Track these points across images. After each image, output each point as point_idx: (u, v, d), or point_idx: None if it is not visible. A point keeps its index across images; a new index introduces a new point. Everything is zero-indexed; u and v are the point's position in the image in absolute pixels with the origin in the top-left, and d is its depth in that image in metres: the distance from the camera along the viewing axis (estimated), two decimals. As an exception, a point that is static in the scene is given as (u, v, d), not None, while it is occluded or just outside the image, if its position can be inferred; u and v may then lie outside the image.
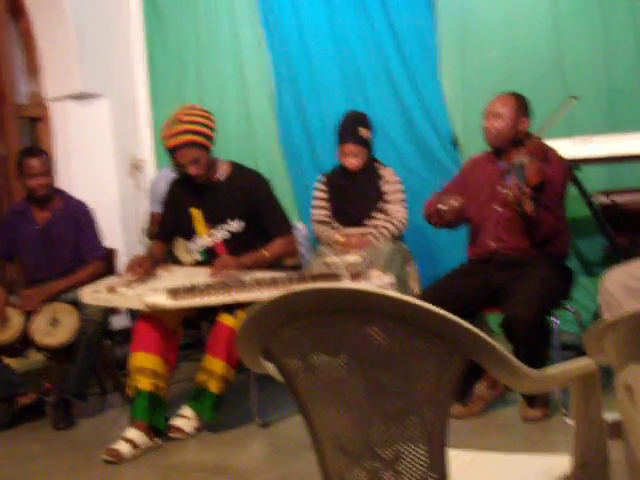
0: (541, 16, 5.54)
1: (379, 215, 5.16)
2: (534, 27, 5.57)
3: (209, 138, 4.30)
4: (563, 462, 2.04)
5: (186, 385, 4.85)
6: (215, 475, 3.71)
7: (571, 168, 4.44)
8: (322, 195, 5.34)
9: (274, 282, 4.03)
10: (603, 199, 4.76)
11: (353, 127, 5.18)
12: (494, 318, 4.87)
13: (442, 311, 1.57)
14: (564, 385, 2.02)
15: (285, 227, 4.51)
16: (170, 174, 5.10)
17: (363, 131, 5.15)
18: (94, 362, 4.65)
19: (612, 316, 1.76)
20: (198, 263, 4.53)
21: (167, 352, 4.16)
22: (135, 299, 4.08)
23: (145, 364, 4.08)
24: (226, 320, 4.12)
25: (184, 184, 4.46)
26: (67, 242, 4.85)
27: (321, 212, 5.33)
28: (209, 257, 4.41)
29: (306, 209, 5.90)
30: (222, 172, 4.44)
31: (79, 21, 6.04)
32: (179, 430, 4.12)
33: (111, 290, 4.17)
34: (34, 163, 4.72)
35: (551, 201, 4.08)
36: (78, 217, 4.89)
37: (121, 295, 4.14)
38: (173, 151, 4.27)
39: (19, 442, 4.35)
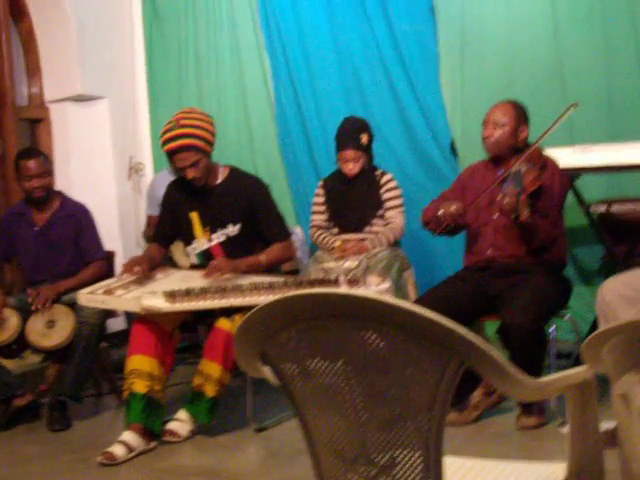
0: (541, 24, 5.55)
1: (378, 222, 5.16)
2: (534, 35, 5.57)
3: (208, 142, 4.29)
4: (558, 470, 2.04)
5: (182, 388, 4.85)
6: (210, 479, 3.70)
7: (569, 177, 4.45)
8: (321, 200, 5.35)
9: (271, 287, 4.04)
10: (602, 208, 4.76)
11: (352, 133, 5.18)
12: (490, 325, 4.87)
13: (439, 317, 1.57)
14: (560, 393, 2.01)
15: (283, 233, 4.50)
16: (168, 177, 5.10)
17: (362, 137, 5.16)
18: (90, 364, 4.65)
19: (609, 325, 1.77)
20: (195, 266, 4.53)
21: (163, 355, 4.16)
22: (132, 302, 4.08)
23: (141, 367, 4.08)
24: (223, 324, 4.12)
25: (182, 187, 4.46)
26: (65, 244, 4.85)
27: (319, 217, 5.34)
28: (206, 260, 4.41)
29: (304, 214, 5.91)
30: (221, 176, 4.44)
31: (80, 23, 6.04)
32: (174, 433, 4.12)
33: (108, 292, 4.17)
34: (31, 165, 4.72)
35: (548, 209, 4.09)
36: (77, 219, 4.89)
37: (118, 297, 4.14)
38: (172, 154, 4.27)
39: (15, 443, 4.35)
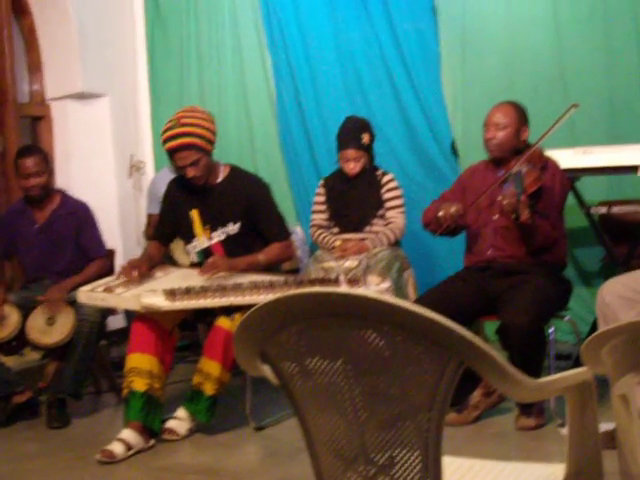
0: (543, 24, 5.55)
1: (378, 221, 5.16)
2: (535, 35, 5.57)
3: (209, 141, 4.29)
4: (557, 471, 2.04)
5: (182, 387, 4.85)
6: (209, 477, 3.70)
7: (569, 179, 4.45)
8: (321, 199, 5.35)
9: (271, 285, 4.04)
10: (602, 210, 4.76)
11: (354, 132, 5.19)
12: (490, 326, 4.87)
13: (439, 317, 1.57)
14: (559, 394, 2.01)
15: (282, 232, 4.50)
16: (169, 175, 5.10)
17: (364, 136, 5.16)
18: (90, 362, 4.66)
19: (608, 327, 1.77)
20: (195, 264, 4.52)
21: (163, 353, 4.16)
22: (131, 300, 4.08)
23: (141, 365, 4.08)
24: (223, 323, 4.12)
25: (183, 185, 4.46)
26: (66, 241, 4.85)
27: (320, 216, 5.34)
28: (206, 259, 4.41)
29: (305, 213, 5.91)
30: (221, 175, 4.44)
31: (81, 20, 6.05)
32: (173, 432, 4.12)
33: (108, 290, 4.17)
34: (27, 163, 4.71)
35: (549, 210, 4.09)
36: (78, 217, 4.89)
37: (117, 295, 4.14)
38: (172, 153, 4.27)
39: (14, 441, 4.35)
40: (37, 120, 6.18)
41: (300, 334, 1.73)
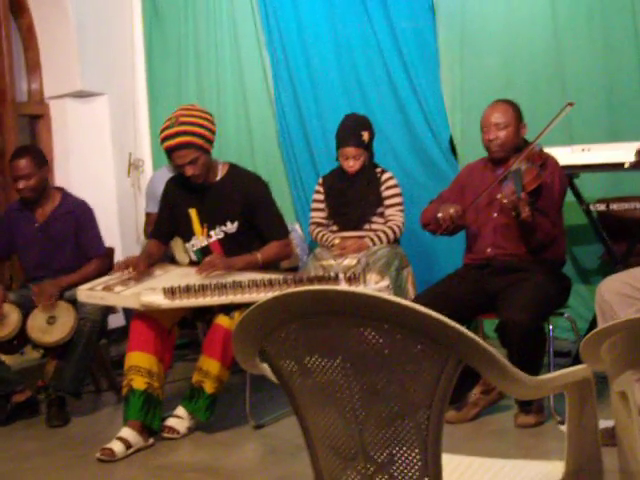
0: (541, 23, 5.54)
1: (377, 219, 5.16)
2: (534, 33, 5.56)
3: (208, 140, 4.28)
4: (557, 468, 2.04)
5: (181, 385, 4.85)
6: (208, 476, 3.71)
7: (568, 176, 4.45)
8: (320, 197, 5.35)
9: (270, 283, 4.04)
10: (601, 207, 4.76)
11: (353, 130, 5.19)
12: (489, 323, 4.88)
13: (438, 315, 1.58)
14: (559, 391, 2.02)
15: (281, 231, 4.50)
16: (167, 174, 5.10)
17: (363, 134, 5.16)
18: (90, 360, 4.66)
19: (607, 324, 1.77)
20: (194, 263, 4.52)
21: (162, 351, 4.16)
22: (131, 298, 4.08)
23: (140, 363, 4.08)
24: (222, 321, 4.13)
25: (181, 183, 4.46)
26: (66, 240, 4.84)
27: (319, 214, 5.34)
28: (205, 257, 4.41)
29: (304, 211, 5.91)
30: (220, 173, 4.44)
31: (80, 19, 6.04)
32: (172, 430, 4.12)
33: (107, 289, 4.17)
34: (16, 166, 4.71)
35: (548, 207, 4.09)
36: (78, 215, 4.88)
37: (117, 294, 4.14)
38: (170, 152, 4.26)
39: (13, 439, 4.35)
40: (36, 119, 6.18)
41: (299, 332, 1.73)
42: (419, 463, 1.70)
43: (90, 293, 4.23)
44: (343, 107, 5.80)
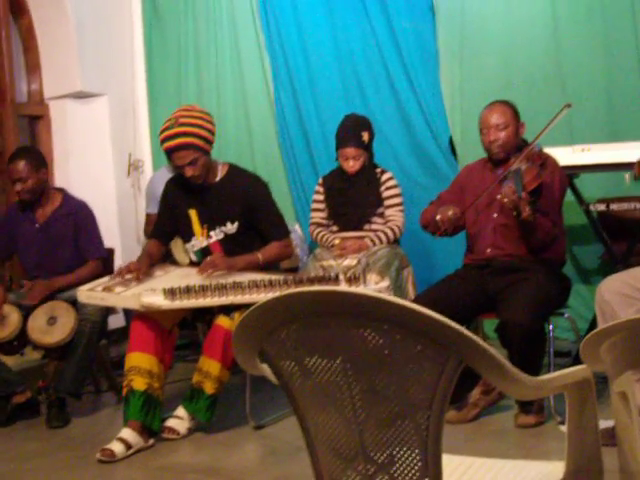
0: (541, 23, 5.54)
1: (377, 220, 5.16)
2: (534, 34, 5.56)
3: (207, 140, 4.28)
4: (557, 469, 2.04)
5: (181, 385, 4.85)
6: (208, 476, 3.71)
7: (568, 176, 4.45)
8: (320, 198, 5.35)
9: (270, 284, 4.03)
10: (601, 207, 4.76)
11: (353, 130, 5.19)
12: (489, 323, 4.87)
13: (438, 315, 1.58)
14: (559, 391, 2.02)
15: (281, 231, 4.49)
16: (167, 174, 5.10)
17: (363, 134, 5.16)
18: (91, 361, 4.66)
19: (607, 324, 1.77)
20: (194, 263, 4.52)
21: (162, 352, 4.16)
22: (131, 299, 4.08)
23: (140, 364, 4.08)
24: (222, 322, 4.13)
25: (181, 184, 4.45)
26: (66, 241, 4.84)
27: (319, 215, 5.34)
28: (205, 258, 4.40)
29: (304, 211, 5.91)
30: (220, 174, 4.43)
31: (79, 20, 6.04)
32: (172, 431, 4.12)
33: (107, 289, 4.17)
34: (16, 167, 4.71)
35: (548, 207, 4.09)
36: (78, 217, 4.88)
37: (117, 295, 4.14)
38: (170, 153, 4.26)
39: (14, 440, 4.35)
40: (35, 120, 6.18)
41: (299, 333, 1.73)
42: (419, 464, 1.70)
43: (90, 294, 4.23)
44: (343, 108, 5.79)
